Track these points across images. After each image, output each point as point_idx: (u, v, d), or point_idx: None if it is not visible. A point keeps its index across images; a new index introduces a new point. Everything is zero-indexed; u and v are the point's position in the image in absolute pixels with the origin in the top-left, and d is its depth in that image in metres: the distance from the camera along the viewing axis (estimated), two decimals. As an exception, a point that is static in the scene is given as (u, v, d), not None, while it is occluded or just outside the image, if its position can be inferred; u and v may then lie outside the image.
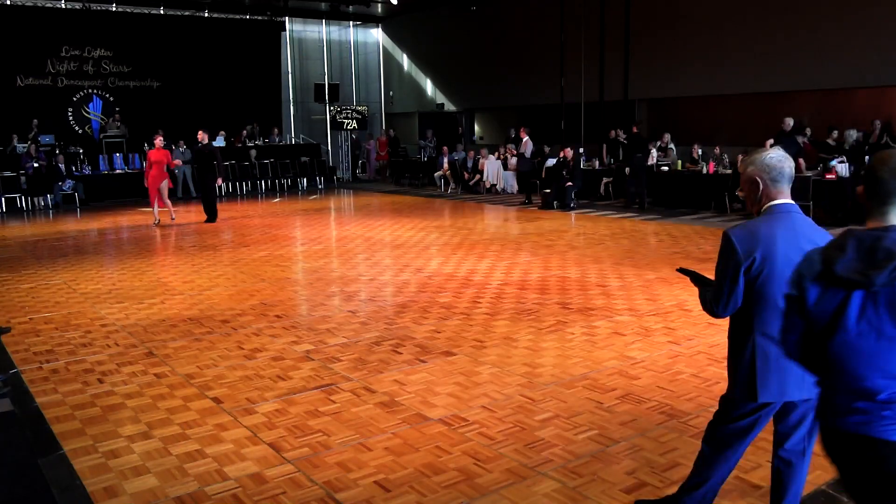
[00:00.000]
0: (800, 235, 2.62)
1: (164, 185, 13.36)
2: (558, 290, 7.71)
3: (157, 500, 3.51)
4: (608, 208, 14.81)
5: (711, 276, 2.86)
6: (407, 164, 22.09)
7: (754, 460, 3.70)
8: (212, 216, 13.70)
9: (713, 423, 2.93)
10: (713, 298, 2.72)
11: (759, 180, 2.69)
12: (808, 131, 13.96)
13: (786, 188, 2.69)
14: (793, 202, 2.71)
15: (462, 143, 21.67)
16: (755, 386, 2.67)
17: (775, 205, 2.69)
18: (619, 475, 3.65)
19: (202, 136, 13.67)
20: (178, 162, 15.03)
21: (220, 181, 13.78)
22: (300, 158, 21.24)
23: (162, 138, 13.73)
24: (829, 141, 13.49)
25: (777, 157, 2.69)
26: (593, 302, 7.18)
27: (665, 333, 6.05)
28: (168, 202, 13.55)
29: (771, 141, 12.23)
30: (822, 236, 2.67)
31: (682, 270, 3.03)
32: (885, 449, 1.97)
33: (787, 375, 2.65)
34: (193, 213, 14.91)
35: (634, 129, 16.12)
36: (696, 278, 2.93)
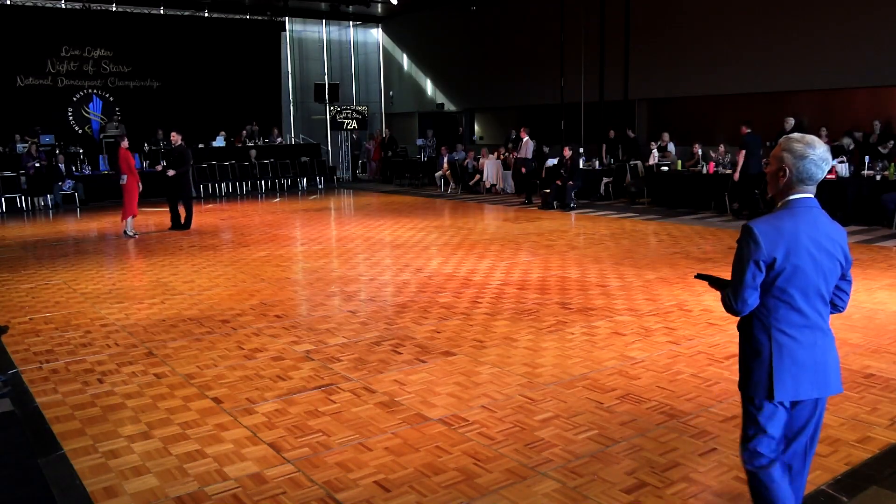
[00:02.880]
0: (821, 233, 2.58)
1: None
2: (558, 290, 7.71)
3: (157, 500, 3.51)
4: (608, 208, 14.81)
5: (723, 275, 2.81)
6: (407, 164, 22.11)
7: (754, 460, 3.69)
8: (176, 223, 12.85)
9: (743, 439, 2.78)
10: (732, 294, 2.64)
11: (788, 171, 2.59)
12: (824, 130, 13.90)
13: (813, 187, 2.62)
14: (814, 197, 2.63)
15: (462, 143, 21.68)
16: (772, 384, 2.61)
17: (799, 199, 2.61)
18: (619, 475, 3.65)
19: (175, 138, 12.99)
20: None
21: (170, 172, 12.63)
22: (300, 158, 21.25)
23: (126, 140, 12.72)
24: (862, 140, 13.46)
25: (818, 158, 2.56)
26: (593, 302, 7.18)
27: (665, 333, 6.05)
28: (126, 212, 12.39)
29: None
30: (840, 233, 2.64)
31: (700, 276, 2.92)
32: None
33: (802, 372, 2.61)
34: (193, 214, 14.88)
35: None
36: (716, 282, 2.84)
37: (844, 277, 2.72)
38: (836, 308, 2.75)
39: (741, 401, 2.78)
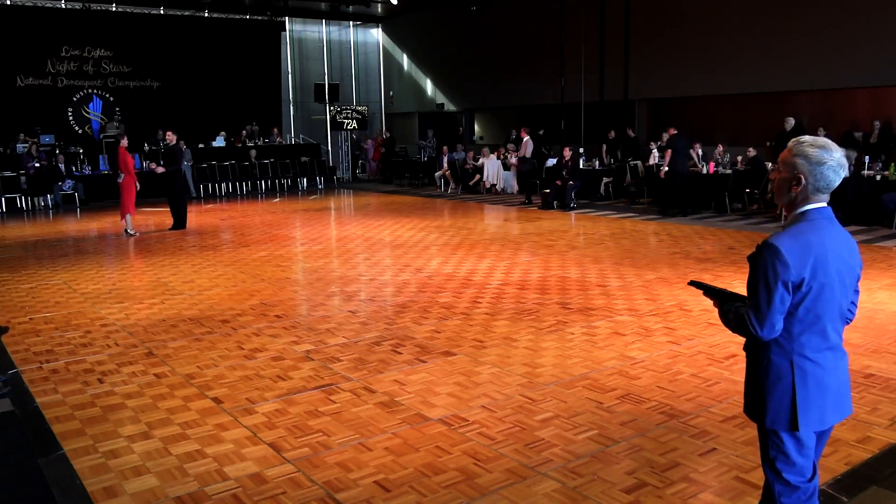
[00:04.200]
0: (843, 247, 2.41)
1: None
2: (558, 290, 7.71)
3: (157, 500, 3.51)
4: (608, 208, 14.81)
5: (722, 284, 2.69)
6: (407, 164, 22.12)
7: (754, 460, 3.70)
8: (179, 223, 12.90)
9: (774, 474, 2.52)
10: (756, 319, 2.37)
11: (803, 179, 2.37)
12: (822, 131, 13.86)
13: (828, 195, 2.43)
14: (829, 206, 2.44)
15: (462, 143, 21.68)
16: (796, 415, 2.40)
17: (817, 209, 2.40)
18: (619, 475, 3.65)
19: (170, 137, 12.96)
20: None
21: (158, 170, 12.86)
22: (300, 158, 21.25)
23: (126, 139, 12.77)
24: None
25: (835, 164, 2.36)
26: (593, 302, 7.18)
27: (665, 333, 6.05)
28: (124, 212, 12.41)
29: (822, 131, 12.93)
30: (854, 243, 2.49)
31: (694, 284, 2.69)
32: None
33: (826, 399, 2.43)
34: (193, 214, 14.87)
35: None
36: (713, 292, 2.60)
37: (854, 289, 2.55)
38: (845, 321, 2.56)
39: (758, 429, 2.56)
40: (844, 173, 2.41)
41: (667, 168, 13.36)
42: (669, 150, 13.41)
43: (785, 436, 2.45)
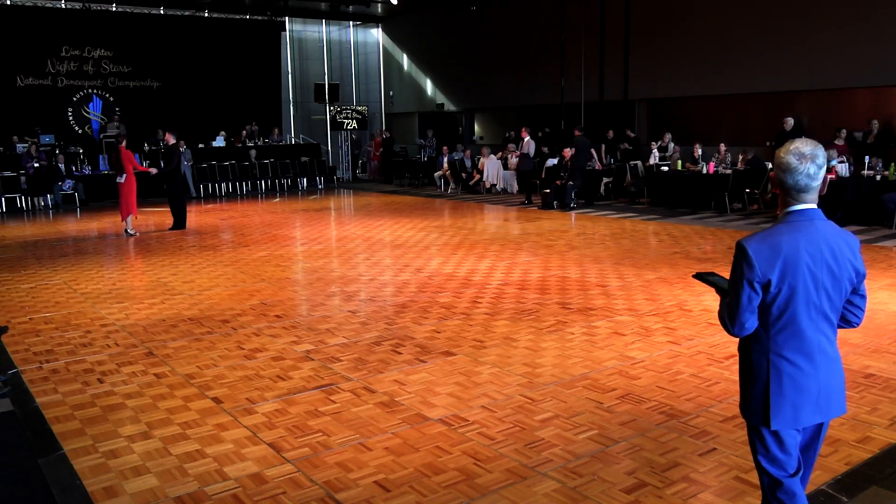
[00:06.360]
0: (824, 248, 2.38)
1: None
2: (558, 290, 7.71)
3: (157, 500, 3.51)
4: (608, 208, 14.82)
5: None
6: (407, 163, 22.11)
7: (754, 460, 3.70)
8: (178, 223, 12.94)
9: (759, 469, 2.57)
10: (728, 317, 2.46)
11: (779, 180, 2.42)
12: (833, 130, 13.77)
13: (809, 194, 2.40)
14: (816, 207, 2.43)
15: (462, 143, 21.67)
16: (769, 412, 2.44)
17: (798, 210, 2.41)
18: (619, 475, 3.65)
19: (168, 138, 12.97)
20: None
21: (152, 171, 13.04)
22: (300, 158, 21.25)
23: (125, 139, 12.85)
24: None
25: (793, 167, 2.37)
26: (593, 302, 7.18)
27: (665, 333, 6.05)
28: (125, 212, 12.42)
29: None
30: (849, 247, 2.45)
31: (700, 277, 2.69)
32: None
33: (804, 399, 2.43)
34: (193, 214, 14.87)
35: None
36: (716, 286, 2.62)
37: (857, 292, 2.52)
38: (848, 324, 2.57)
39: (746, 422, 2.62)
40: (812, 170, 2.36)
41: (569, 164, 14.83)
42: (573, 150, 14.75)
43: (764, 430, 2.51)
